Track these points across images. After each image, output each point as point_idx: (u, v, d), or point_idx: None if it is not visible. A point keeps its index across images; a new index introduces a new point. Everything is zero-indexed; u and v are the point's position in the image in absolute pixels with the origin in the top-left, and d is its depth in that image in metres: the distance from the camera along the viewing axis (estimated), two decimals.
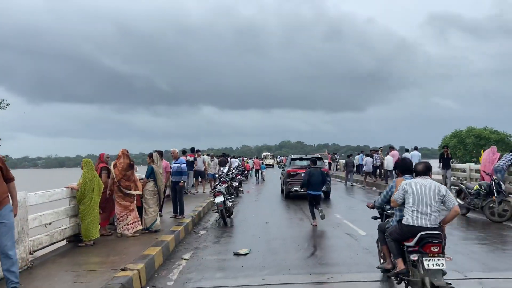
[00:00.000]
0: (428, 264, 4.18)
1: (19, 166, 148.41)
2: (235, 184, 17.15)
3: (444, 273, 4.27)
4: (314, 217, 9.74)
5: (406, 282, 4.57)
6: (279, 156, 70.35)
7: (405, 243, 4.48)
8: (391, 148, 19.29)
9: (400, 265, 4.57)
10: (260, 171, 29.01)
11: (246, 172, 29.94)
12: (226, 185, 15.34)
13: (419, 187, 4.44)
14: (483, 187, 10.03)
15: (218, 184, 11.46)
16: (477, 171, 14.57)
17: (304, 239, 8.11)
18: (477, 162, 32.00)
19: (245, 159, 36.87)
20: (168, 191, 11.11)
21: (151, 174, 8.02)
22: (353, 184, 21.55)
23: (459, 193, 11.02)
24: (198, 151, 17.04)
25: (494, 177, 10.17)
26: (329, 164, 35.25)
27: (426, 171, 4.61)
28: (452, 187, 15.16)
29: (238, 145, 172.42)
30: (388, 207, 5.41)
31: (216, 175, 16.95)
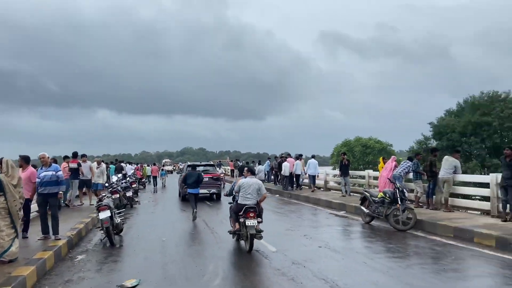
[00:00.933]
0: (247, 223, 7.33)
1: None
2: (129, 194, 15.25)
3: (258, 230, 7.41)
4: (195, 208, 11.47)
5: (239, 236, 7.88)
6: (180, 163, 68.07)
7: (239, 214, 7.61)
8: (289, 155, 20.34)
9: (237, 226, 7.77)
10: (157, 178, 27.01)
11: (143, 179, 27.63)
12: (118, 195, 13.44)
13: (247, 183, 7.80)
14: (387, 195, 9.96)
15: (105, 196, 9.62)
16: (375, 178, 14.98)
17: (208, 260, 6.89)
18: (364, 169, 34.33)
19: (144, 165, 34.22)
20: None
21: None
22: None
23: (363, 201, 10.89)
24: (84, 156, 14.74)
25: (398, 184, 10.19)
26: (232, 170, 34.66)
27: (253, 173, 8.27)
28: (352, 194, 15.41)
29: (138, 151, 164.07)
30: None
31: (107, 184, 14.79)
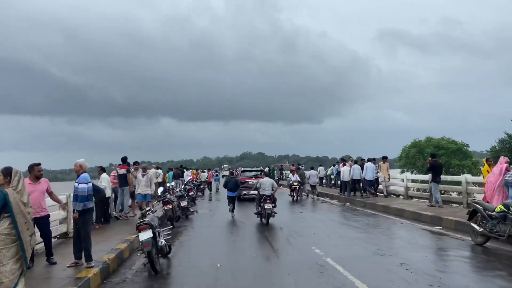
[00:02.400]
0: (264, 207, 11.56)
1: None
2: (184, 203, 13.69)
3: (272, 211, 11.67)
4: (232, 211, 13.97)
5: (261, 215, 12.04)
6: (240, 168, 67.58)
7: (260, 201, 11.94)
8: (347, 160, 20.62)
9: (258, 209, 12.16)
10: (213, 184, 26.13)
11: (201, 186, 26.32)
12: (170, 206, 12.02)
13: (264, 181, 12.40)
14: (511, 209, 7.41)
15: (149, 210, 8.03)
16: (478, 184, 12.19)
17: None
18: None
19: (199, 171, 33.23)
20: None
21: (4, 206, 4.55)
22: (310, 195, 21.17)
23: (472, 216, 8.39)
24: (137, 163, 13.58)
25: None
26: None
27: (266, 175, 13.85)
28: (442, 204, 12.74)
29: (199, 157, 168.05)
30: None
31: (159, 193, 13.39)
